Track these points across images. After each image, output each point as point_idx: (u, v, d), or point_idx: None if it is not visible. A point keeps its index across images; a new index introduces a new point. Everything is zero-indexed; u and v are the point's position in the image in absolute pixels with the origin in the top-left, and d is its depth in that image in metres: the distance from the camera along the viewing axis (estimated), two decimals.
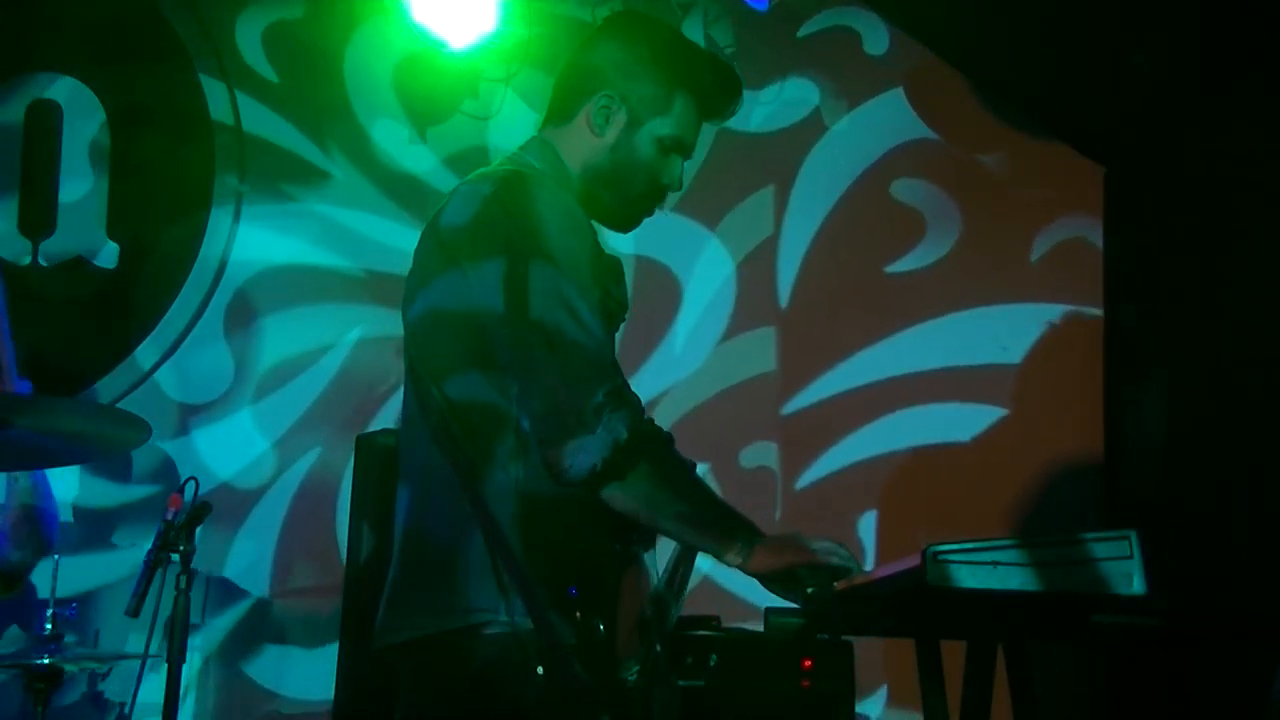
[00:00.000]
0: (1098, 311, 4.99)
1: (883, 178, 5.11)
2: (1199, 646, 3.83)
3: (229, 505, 4.92)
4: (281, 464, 5.05)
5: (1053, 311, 5.02)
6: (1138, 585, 2.03)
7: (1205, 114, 4.38)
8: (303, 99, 5.19)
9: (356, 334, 5.11)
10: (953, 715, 2.85)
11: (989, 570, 2.07)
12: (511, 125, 5.00)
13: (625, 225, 2.53)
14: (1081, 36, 4.53)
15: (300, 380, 5.09)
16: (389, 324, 4.89)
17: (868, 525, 4.99)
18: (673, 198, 2.59)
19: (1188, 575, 4.00)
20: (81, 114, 5.16)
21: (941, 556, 2.07)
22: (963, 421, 5.01)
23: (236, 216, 5.15)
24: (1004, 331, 5.02)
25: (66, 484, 4.89)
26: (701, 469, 2.30)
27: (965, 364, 5.03)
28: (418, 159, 5.17)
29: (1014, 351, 5.02)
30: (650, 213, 2.53)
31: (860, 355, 5.07)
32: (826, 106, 5.15)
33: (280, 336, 5.11)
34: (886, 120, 5.13)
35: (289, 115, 5.20)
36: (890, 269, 5.09)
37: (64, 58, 5.17)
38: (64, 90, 5.17)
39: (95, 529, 4.92)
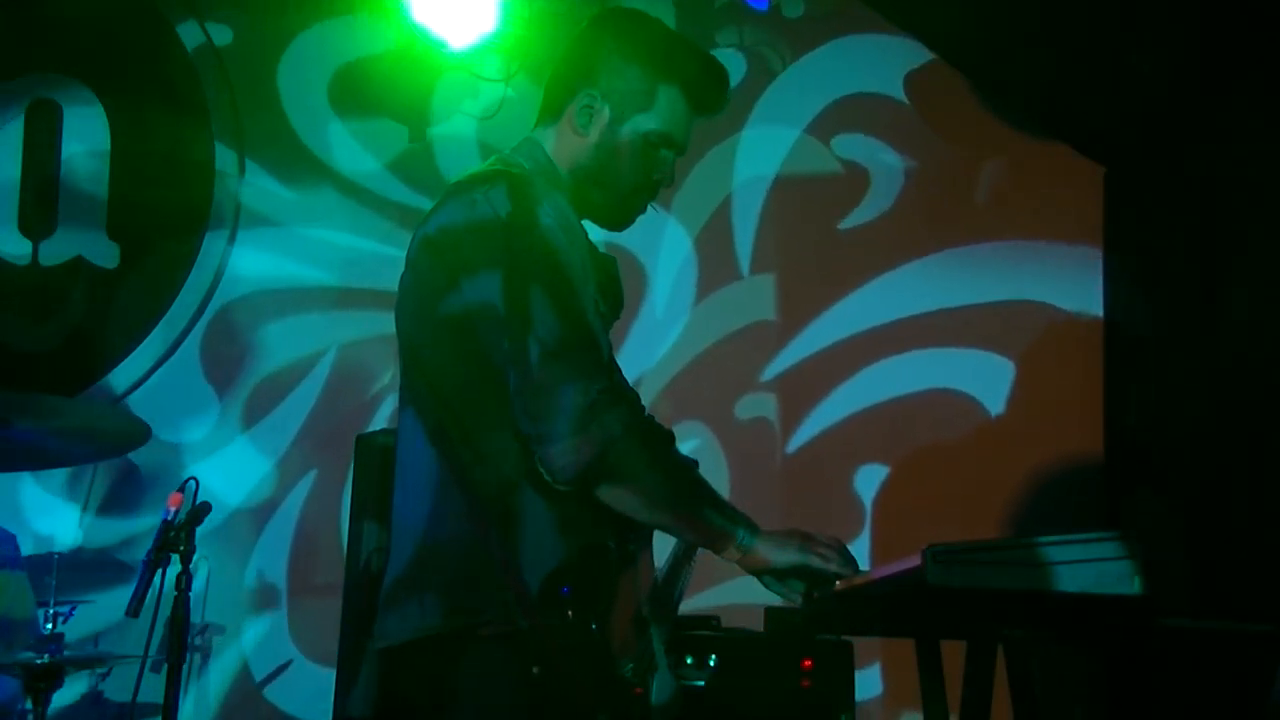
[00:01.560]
0: (1098, 312, 4.99)
1: (822, 135, 5.15)
2: (1200, 647, 3.83)
3: (244, 528, 5.00)
4: (287, 479, 5.09)
5: (1013, 250, 5.04)
6: (1138, 585, 2.03)
7: (1205, 114, 4.38)
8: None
9: (338, 342, 5.13)
10: (953, 715, 2.85)
11: (989, 570, 2.07)
12: (511, 125, 5.01)
13: (618, 223, 2.51)
14: (1081, 36, 4.52)
15: (291, 396, 5.11)
16: (369, 327, 4.97)
17: (865, 481, 5.01)
18: None
19: (1188, 575, 4.01)
20: (82, 116, 5.17)
21: (942, 556, 2.07)
22: (946, 366, 5.03)
23: (232, 238, 5.16)
24: (965, 273, 5.04)
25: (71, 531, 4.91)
26: (693, 443, 2.30)
27: (938, 308, 5.05)
28: (362, 161, 5.22)
29: (1014, 353, 5.04)
30: (643, 210, 2.51)
31: (831, 311, 5.10)
32: (755, 72, 5.18)
33: (262, 356, 5.14)
34: (814, 79, 5.18)
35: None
36: (843, 225, 5.12)
37: (66, 59, 5.17)
38: (65, 91, 5.18)
39: (109, 572, 4.93)
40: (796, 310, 5.12)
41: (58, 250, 5.14)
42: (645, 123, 2.43)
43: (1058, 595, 2.07)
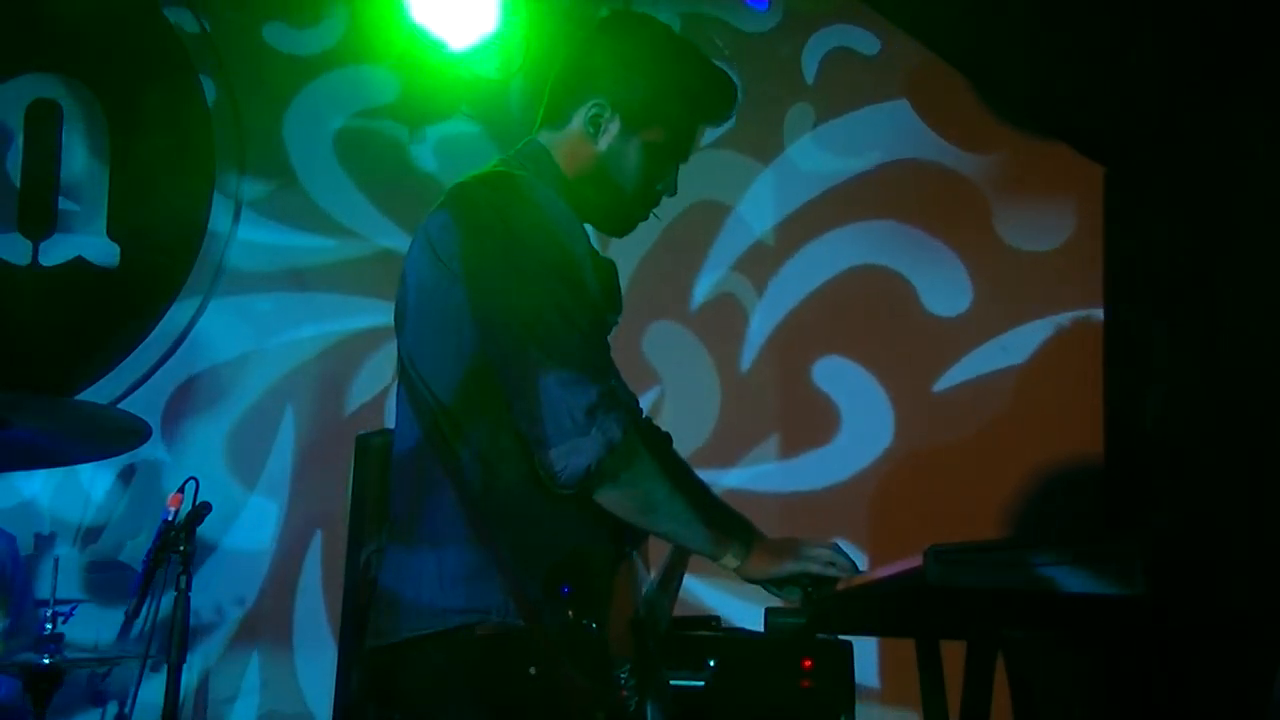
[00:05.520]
0: (1098, 312, 4.99)
1: None
2: (1199, 646, 3.83)
3: (281, 561, 5.01)
4: (302, 512, 5.07)
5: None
6: (1138, 585, 2.03)
7: (1205, 113, 4.38)
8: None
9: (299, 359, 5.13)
10: (953, 715, 2.85)
11: (989, 570, 2.07)
12: (510, 127, 5.00)
13: (619, 229, 2.52)
14: (1081, 36, 4.52)
15: (280, 426, 5.10)
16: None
17: (825, 373, 5.02)
18: None
19: (1188, 575, 4.00)
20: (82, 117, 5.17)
21: (943, 556, 2.07)
22: (885, 239, 5.05)
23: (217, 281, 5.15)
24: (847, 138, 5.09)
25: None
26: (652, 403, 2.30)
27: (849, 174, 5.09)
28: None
29: (1015, 354, 5.03)
30: (645, 217, 2.52)
31: (732, 216, 5.11)
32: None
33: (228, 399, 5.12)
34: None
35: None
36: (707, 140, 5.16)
37: (66, 60, 5.17)
38: (64, 92, 5.17)
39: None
40: (702, 225, 5.11)
41: (58, 250, 5.14)
42: (653, 134, 2.44)
43: (1058, 595, 2.07)
